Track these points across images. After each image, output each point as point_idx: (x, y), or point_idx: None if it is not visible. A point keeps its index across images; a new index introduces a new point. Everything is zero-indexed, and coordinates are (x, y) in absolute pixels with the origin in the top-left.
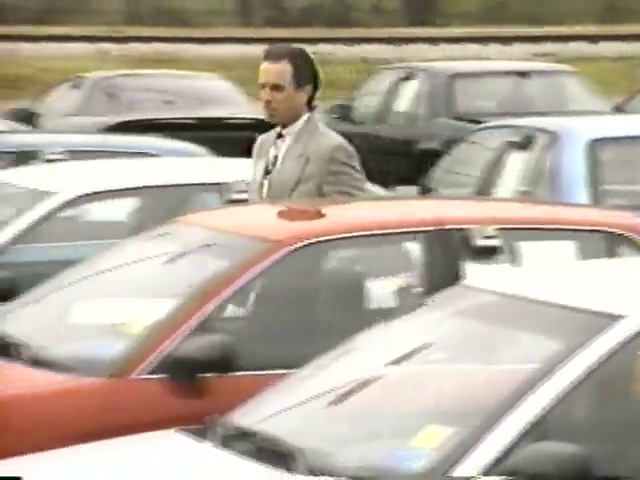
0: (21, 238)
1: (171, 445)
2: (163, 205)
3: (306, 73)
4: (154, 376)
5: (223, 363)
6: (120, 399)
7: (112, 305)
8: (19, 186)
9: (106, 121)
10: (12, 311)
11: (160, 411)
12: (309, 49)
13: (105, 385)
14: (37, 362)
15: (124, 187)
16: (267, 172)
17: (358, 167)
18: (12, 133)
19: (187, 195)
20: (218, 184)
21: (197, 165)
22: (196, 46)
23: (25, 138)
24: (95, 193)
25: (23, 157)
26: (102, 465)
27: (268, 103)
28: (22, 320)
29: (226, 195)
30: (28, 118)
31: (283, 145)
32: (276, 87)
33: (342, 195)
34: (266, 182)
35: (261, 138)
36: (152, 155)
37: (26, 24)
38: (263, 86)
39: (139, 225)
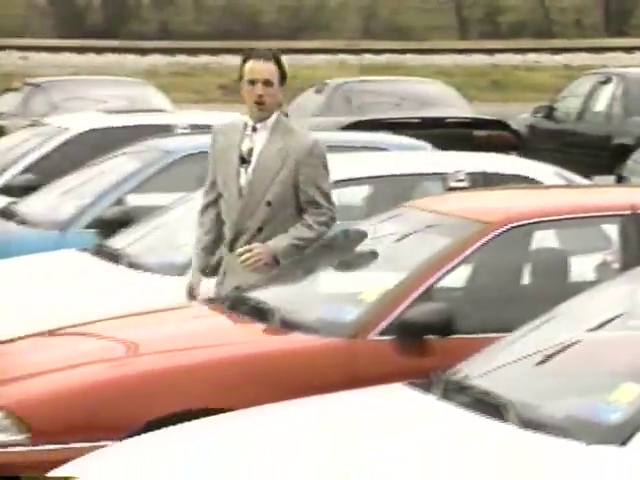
0: None
1: (400, 396)
2: (392, 192)
3: (284, 74)
4: (385, 337)
5: (445, 327)
6: (357, 356)
7: (351, 276)
8: None
9: (343, 120)
10: (266, 281)
11: (390, 367)
12: (518, 58)
13: (345, 344)
14: (287, 324)
15: (360, 176)
16: (243, 161)
17: (327, 164)
18: None
19: (413, 183)
20: (439, 174)
21: (421, 158)
22: (421, 56)
23: None
24: (335, 181)
25: None
26: (339, 412)
27: (260, 97)
28: (274, 288)
29: (446, 183)
30: None
31: (258, 138)
32: (267, 83)
33: (313, 186)
34: (243, 170)
35: (221, 130)
36: (383, 149)
37: (279, 39)
38: (253, 82)
39: (372, 209)
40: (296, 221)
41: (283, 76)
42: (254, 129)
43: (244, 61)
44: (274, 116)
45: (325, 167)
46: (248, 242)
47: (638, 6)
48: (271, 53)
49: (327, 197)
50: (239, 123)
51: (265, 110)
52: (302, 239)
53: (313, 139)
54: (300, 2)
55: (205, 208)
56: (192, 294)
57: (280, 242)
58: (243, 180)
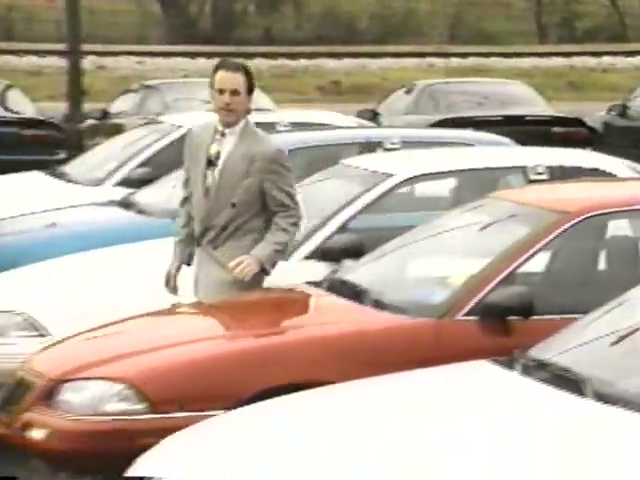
0: (367, 209)
1: (484, 372)
2: (477, 184)
3: (251, 84)
4: (471, 318)
5: (525, 309)
6: (444, 335)
7: (439, 262)
8: (366, 169)
9: (430, 119)
10: (361, 265)
11: (474, 346)
12: (594, 60)
13: (433, 324)
14: (380, 305)
15: (446, 170)
16: (210, 164)
17: (290, 168)
18: (360, 128)
19: (496, 176)
20: (520, 167)
21: (504, 153)
22: (504, 59)
23: (370, 132)
24: (424, 174)
25: (369, 147)
26: (426, 387)
27: (228, 105)
28: (368, 272)
29: (527, 176)
30: (372, 117)
31: (226, 142)
32: (235, 92)
33: (279, 190)
34: (210, 172)
35: (195, 132)
36: (468, 145)
37: (373, 44)
38: (222, 91)
39: (457, 200)
40: (258, 220)
41: (250, 86)
42: (223, 134)
43: (215, 71)
44: (242, 123)
45: (288, 171)
46: (214, 238)
47: None
48: (240, 65)
49: (293, 198)
50: (211, 127)
51: (232, 117)
52: (281, 244)
53: (275, 147)
54: (392, 9)
55: (183, 202)
56: (169, 282)
57: (264, 251)
58: (209, 181)
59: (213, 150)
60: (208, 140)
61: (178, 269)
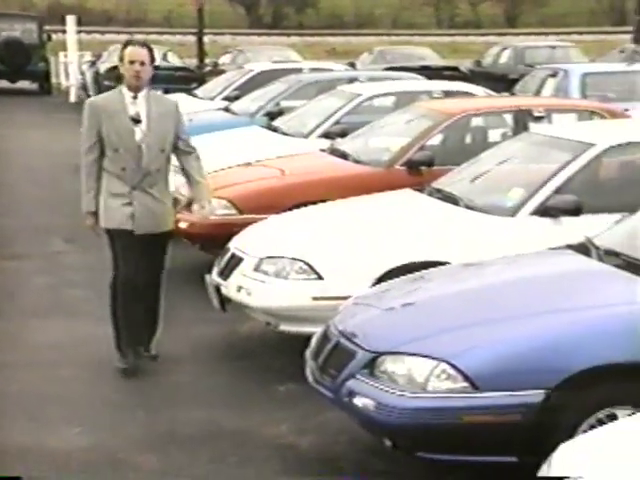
0: (347, 115)
1: (407, 194)
2: (407, 99)
3: (153, 58)
4: (403, 168)
5: (429, 162)
6: (389, 177)
7: (385, 139)
8: (346, 91)
9: (382, 67)
10: (348, 140)
11: (404, 183)
12: (479, 38)
13: (383, 171)
14: (356, 161)
15: (391, 91)
16: (136, 122)
17: None
18: (347, 71)
19: (415, 95)
20: (428, 91)
21: (419, 83)
22: (420, 37)
23: (351, 73)
24: (383, 94)
25: (350, 81)
26: (373, 200)
27: (138, 72)
28: (349, 144)
29: (431, 96)
30: (352, 66)
31: (140, 104)
32: (142, 63)
33: (186, 135)
34: (138, 129)
35: (100, 105)
36: (400, 79)
37: (354, 29)
38: (132, 62)
39: (396, 107)
40: (169, 158)
41: (152, 60)
42: (135, 97)
43: (124, 47)
44: (145, 89)
45: None
46: (152, 180)
47: None
48: (144, 42)
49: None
50: (114, 97)
51: (140, 82)
52: (203, 173)
53: (175, 102)
54: (362, 10)
55: (93, 164)
56: (92, 221)
57: (206, 193)
58: (139, 136)
59: (132, 111)
60: (118, 106)
61: (94, 214)
